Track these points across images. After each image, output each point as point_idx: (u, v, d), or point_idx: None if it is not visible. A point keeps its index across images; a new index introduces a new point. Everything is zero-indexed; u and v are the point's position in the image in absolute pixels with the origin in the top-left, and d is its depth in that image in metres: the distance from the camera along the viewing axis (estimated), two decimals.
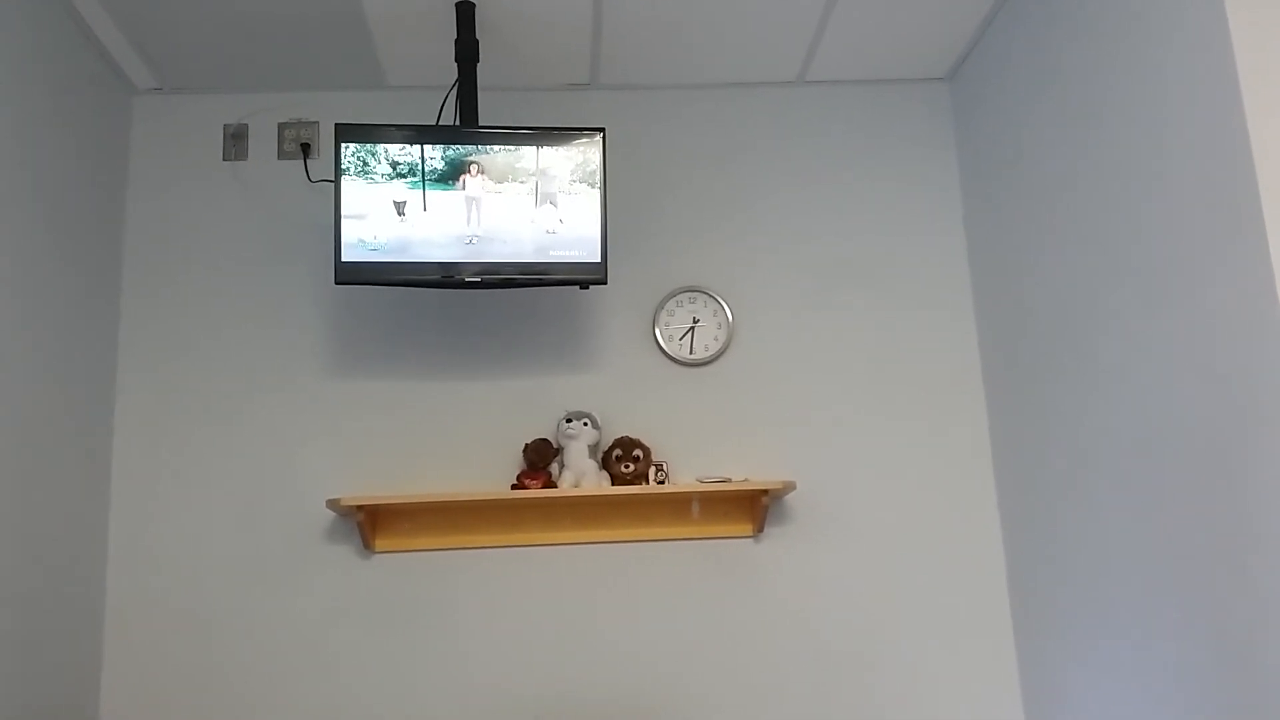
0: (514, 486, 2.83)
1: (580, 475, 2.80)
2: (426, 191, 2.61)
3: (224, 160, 3.06)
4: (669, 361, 3.01)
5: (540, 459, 2.83)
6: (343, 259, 2.58)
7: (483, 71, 2.93)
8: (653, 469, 2.86)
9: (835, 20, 2.85)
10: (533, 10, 2.74)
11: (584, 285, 2.70)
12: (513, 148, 2.64)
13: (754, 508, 2.89)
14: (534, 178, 2.64)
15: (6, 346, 2.36)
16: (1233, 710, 1.94)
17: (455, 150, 2.62)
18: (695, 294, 3.03)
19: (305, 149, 3.05)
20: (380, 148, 2.60)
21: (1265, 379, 1.82)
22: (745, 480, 2.86)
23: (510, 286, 2.66)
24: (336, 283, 2.59)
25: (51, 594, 2.53)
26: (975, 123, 3.03)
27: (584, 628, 2.85)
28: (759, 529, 2.89)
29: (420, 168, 2.61)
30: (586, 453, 2.82)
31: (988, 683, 2.86)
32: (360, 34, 2.82)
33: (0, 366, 2.33)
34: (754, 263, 3.07)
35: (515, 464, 2.90)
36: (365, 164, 2.60)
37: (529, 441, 2.87)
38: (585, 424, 2.83)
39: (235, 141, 3.07)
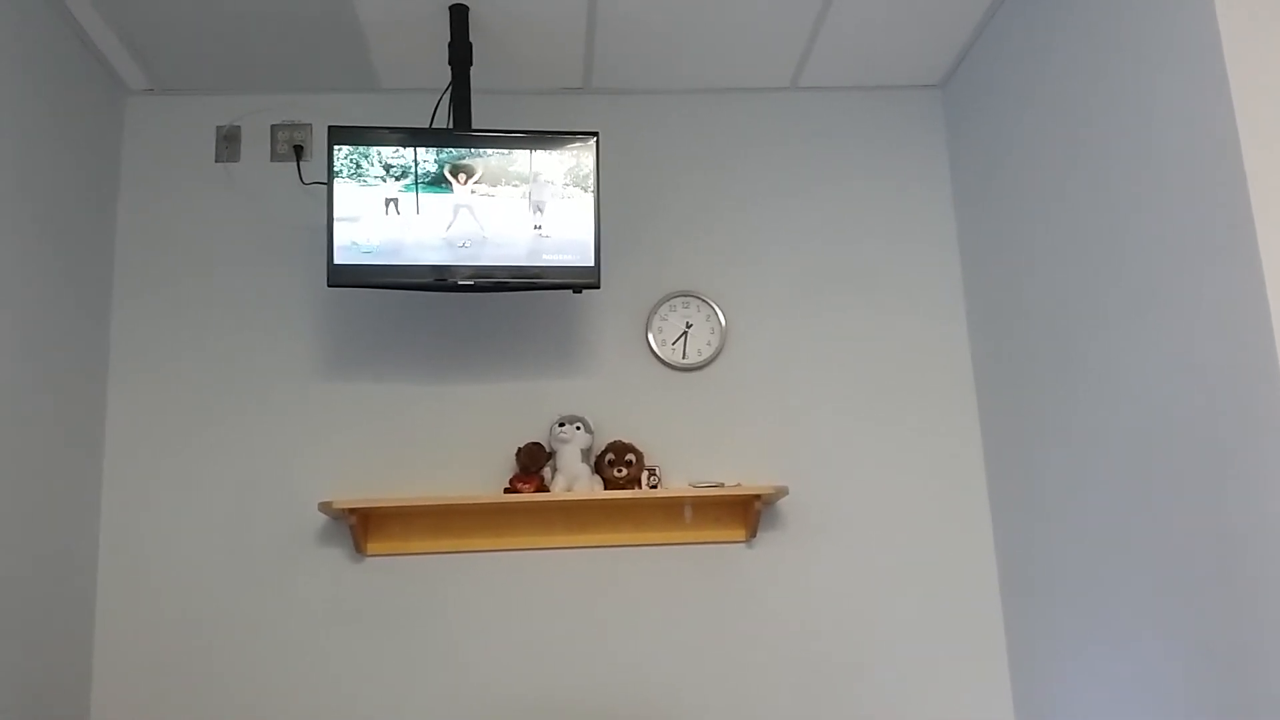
0: (506, 490, 2.83)
1: (573, 479, 2.79)
2: (419, 194, 2.60)
3: (216, 162, 3.05)
4: (662, 366, 3.01)
5: (533, 463, 2.83)
6: (335, 261, 2.58)
7: (476, 75, 2.92)
8: (645, 473, 2.85)
9: (828, 26, 2.85)
10: (527, 14, 2.74)
11: (577, 289, 2.69)
12: (506, 151, 2.63)
13: (746, 513, 2.88)
14: (527, 181, 2.64)
15: None
16: (1225, 713, 1.95)
17: (448, 153, 2.61)
18: (688, 299, 3.03)
19: (298, 151, 3.04)
20: (373, 150, 2.59)
21: (1255, 382, 1.83)
22: (738, 485, 2.85)
23: (503, 290, 2.66)
24: (329, 285, 2.58)
25: (43, 598, 2.51)
26: (968, 129, 3.04)
27: (576, 632, 2.85)
28: (751, 534, 2.89)
29: (413, 170, 2.60)
30: (579, 457, 2.82)
31: (980, 688, 2.87)
32: (354, 36, 2.82)
33: None
34: (747, 268, 3.07)
35: (508, 468, 2.90)
36: (358, 166, 2.59)
37: (521, 445, 2.86)
38: (578, 428, 2.83)
39: (228, 143, 3.06)
